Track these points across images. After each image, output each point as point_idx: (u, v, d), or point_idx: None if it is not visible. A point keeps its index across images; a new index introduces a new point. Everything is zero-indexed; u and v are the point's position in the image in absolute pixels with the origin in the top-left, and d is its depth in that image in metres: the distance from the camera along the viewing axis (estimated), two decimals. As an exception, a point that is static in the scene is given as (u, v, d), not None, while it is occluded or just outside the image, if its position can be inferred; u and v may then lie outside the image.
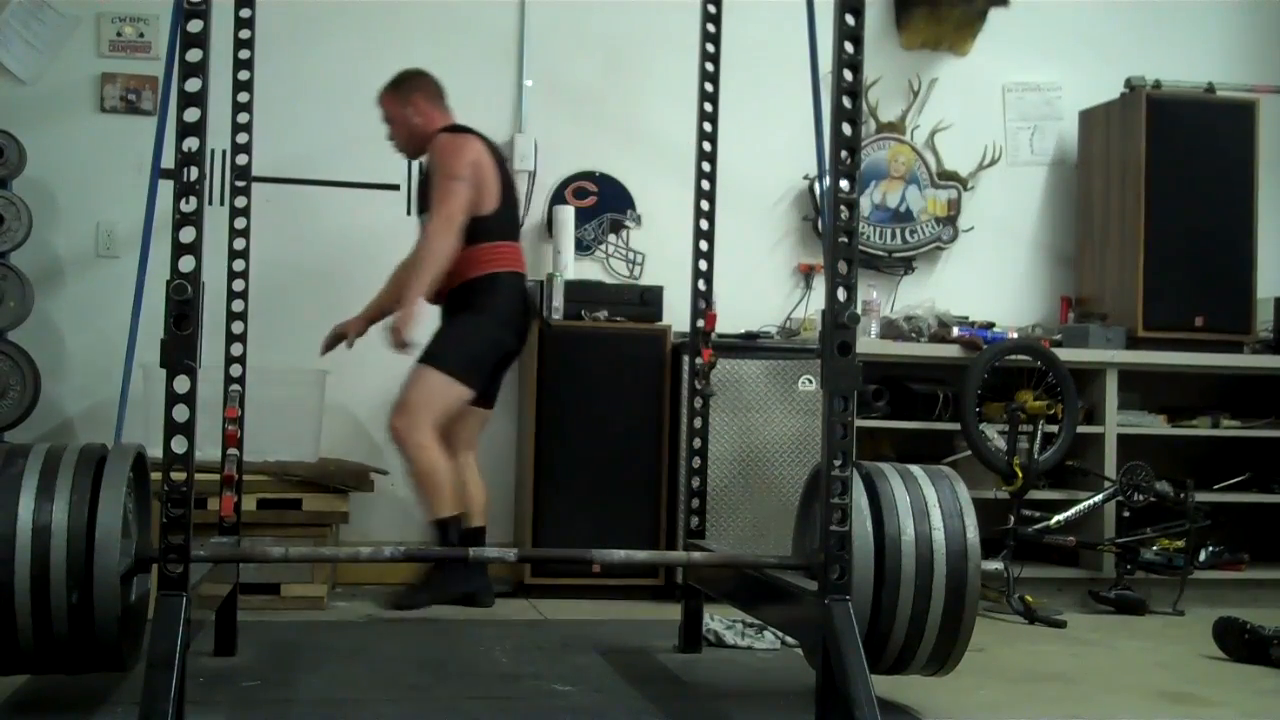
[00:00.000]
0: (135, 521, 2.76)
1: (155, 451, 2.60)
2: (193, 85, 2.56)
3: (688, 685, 3.35)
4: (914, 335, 5.11)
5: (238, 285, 3.61)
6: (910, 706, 3.04)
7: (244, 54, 3.65)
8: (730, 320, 4.66)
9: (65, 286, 4.89)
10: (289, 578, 4.18)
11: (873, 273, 5.38)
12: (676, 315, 4.52)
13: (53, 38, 4.89)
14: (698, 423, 3.81)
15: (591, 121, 5.24)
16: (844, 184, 2.71)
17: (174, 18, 2.65)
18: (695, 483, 3.78)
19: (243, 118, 3.66)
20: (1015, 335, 5.15)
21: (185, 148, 2.55)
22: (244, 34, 3.65)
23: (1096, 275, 5.46)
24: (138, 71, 4.91)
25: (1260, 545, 5.20)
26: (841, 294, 2.68)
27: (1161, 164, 5.21)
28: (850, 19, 2.69)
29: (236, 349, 3.58)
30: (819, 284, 5.23)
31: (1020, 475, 4.59)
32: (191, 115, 2.56)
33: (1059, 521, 4.75)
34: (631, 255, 5.28)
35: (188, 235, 2.53)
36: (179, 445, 2.52)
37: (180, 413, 2.52)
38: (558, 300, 4.75)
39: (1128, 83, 5.31)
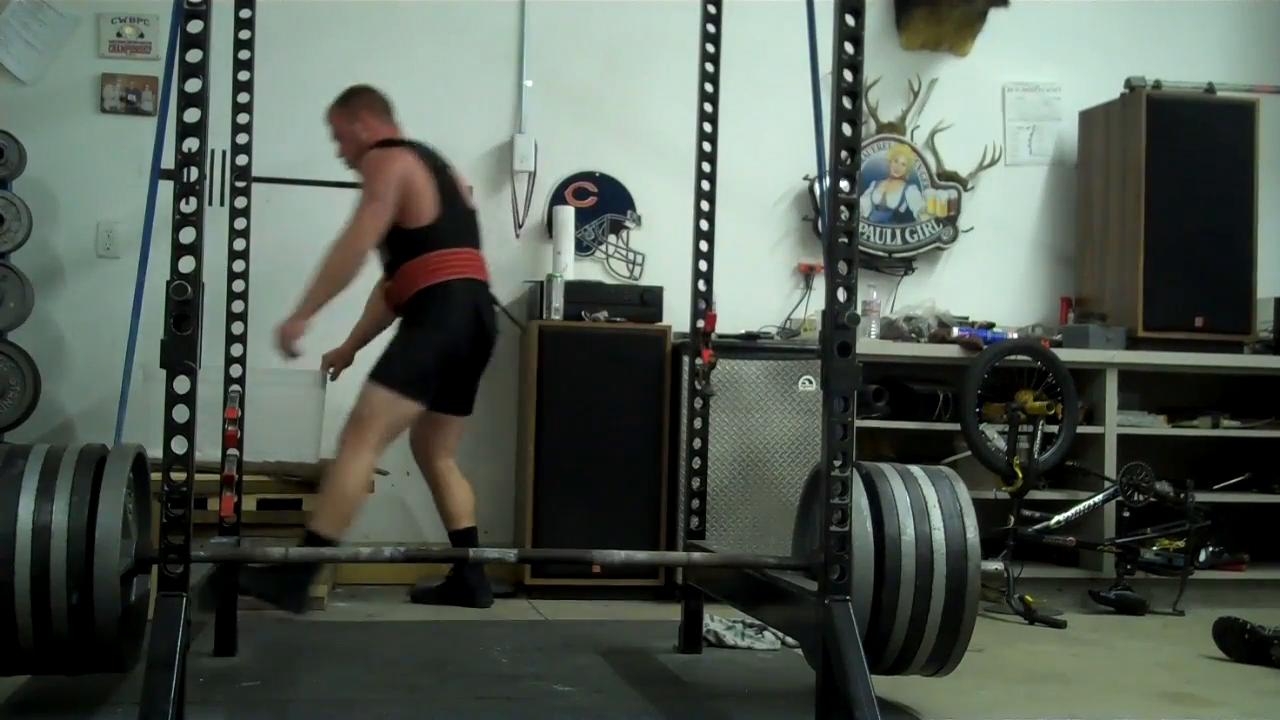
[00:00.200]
0: (135, 521, 2.77)
1: (155, 451, 2.60)
2: (193, 85, 2.56)
3: (688, 686, 3.35)
4: (914, 336, 5.11)
5: (238, 285, 3.61)
6: (910, 706, 3.05)
7: (244, 54, 3.65)
8: (730, 320, 4.66)
9: (65, 286, 4.89)
10: (288, 578, 4.18)
11: (873, 273, 5.38)
12: (676, 316, 4.52)
13: (53, 38, 4.89)
14: (698, 423, 3.81)
15: (591, 121, 5.24)
16: (844, 184, 2.71)
17: (174, 18, 2.65)
18: (695, 483, 3.78)
19: (243, 118, 3.66)
20: (1015, 335, 5.15)
21: (185, 148, 2.55)
22: (244, 34, 3.65)
23: (1096, 275, 5.46)
24: (138, 72, 4.92)
25: (1260, 545, 5.20)
26: (841, 294, 2.69)
27: (1161, 164, 5.21)
28: (850, 19, 2.69)
29: (236, 349, 3.58)
30: (819, 284, 5.22)
31: (1020, 475, 4.59)
32: (191, 115, 2.56)
33: (1059, 522, 4.74)
34: (631, 255, 5.28)
35: (188, 235, 2.54)
36: (179, 445, 2.53)
37: (180, 413, 2.52)
38: (558, 301, 4.75)
39: (1128, 83, 5.31)
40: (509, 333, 5.02)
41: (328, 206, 4.89)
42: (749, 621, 3.80)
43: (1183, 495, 4.83)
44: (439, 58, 5.12)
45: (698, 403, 3.81)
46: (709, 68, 3.76)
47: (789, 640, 3.63)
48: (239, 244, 3.64)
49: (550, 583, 4.61)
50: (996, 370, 4.80)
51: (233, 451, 3.51)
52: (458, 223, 4.21)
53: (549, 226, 5.16)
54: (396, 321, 4.25)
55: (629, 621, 4.20)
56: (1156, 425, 5.19)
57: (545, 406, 4.66)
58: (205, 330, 2.61)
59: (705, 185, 3.81)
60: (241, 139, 3.66)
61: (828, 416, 2.68)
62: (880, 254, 5.44)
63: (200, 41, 2.56)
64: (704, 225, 3.81)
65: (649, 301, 4.81)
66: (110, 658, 2.62)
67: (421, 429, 4.32)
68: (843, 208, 2.71)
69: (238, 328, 3.60)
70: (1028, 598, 4.49)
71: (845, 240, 2.71)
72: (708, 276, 3.81)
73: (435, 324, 4.10)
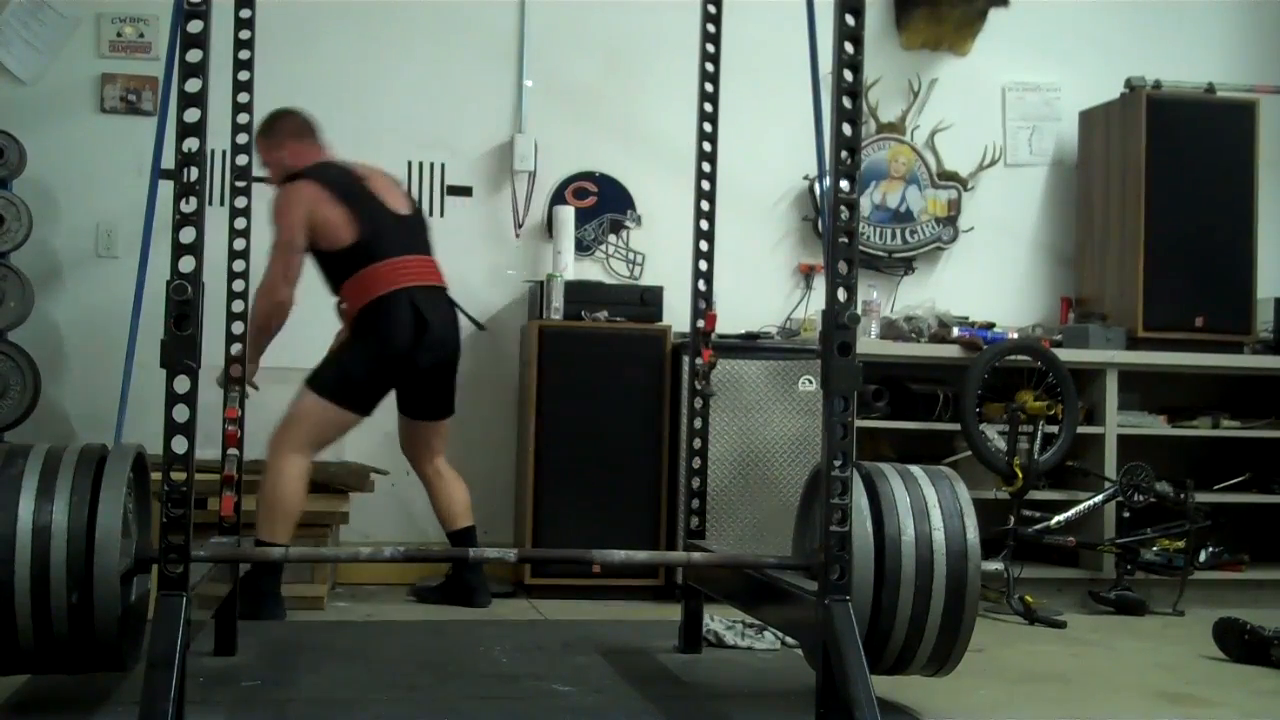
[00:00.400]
0: (135, 521, 2.77)
1: (155, 451, 2.60)
2: (193, 85, 2.56)
3: (688, 686, 3.35)
4: (914, 336, 5.11)
5: (238, 285, 3.61)
6: (910, 706, 3.05)
7: (244, 54, 3.65)
8: (730, 320, 4.66)
9: (65, 286, 4.89)
10: (289, 578, 4.17)
11: (873, 273, 5.38)
12: (676, 315, 4.52)
13: (53, 38, 4.89)
14: (698, 423, 3.81)
15: (591, 122, 5.24)
16: (844, 184, 2.71)
17: (174, 18, 2.65)
18: (695, 483, 3.78)
19: (243, 118, 3.66)
20: (1015, 335, 5.15)
21: (185, 148, 2.55)
22: (244, 34, 3.65)
23: (1096, 275, 5.46)
24: (138, 72, 4.92)
25: (1260, 545, 5.20)
26: (842, 294, 2.69)
27: (1161, 164, 5.21)
28: (850, 19, 2.69)
29: (236, 349, 3.58)
30: (819, 284, 5.23)
31: (1020, 476, 4.59)
32: (191, 115, 2.56)
33: (1059, 522, 4.74)
34: (631, 255, 5.28)
35: (188, 235, 2.54)
36: (179, 445, 2.53)
37: (180, 413, 2.52)
38: (558, 300, 4.75)
39: (1128, 83, 5.31)
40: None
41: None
42: (749, 621, 3.80)
43: (1183, 495, 4.83)
44: (439, 58, 5.12)
45: (698, 403, 3.81)
46: (709, 68, 3.76)
47: (789, 640, 3.63)
48: (239, 244, 3.64)
49: (550, 582, 4.61)
50: (996, 370, 4.80)
51: (233, 451, 3.51)
52: (384, 234, 4.16)
53: (549, 226, 5.16)
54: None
55: (629, 621, 4.20)
56: (1156, 425, 5.19)
57: (545, 406, 4.66)
58: (205, 330, 2.60)
59: (705, 185, 3.81)
60: (241, 139, 3.66)
61: (828, 416, 2.68)
62: (880, 254, 5.44)
63: (200, 41, 2.56)
64: (704, 225, 3.81)
65: (649, 301, 4.81)
66: (110, 657, 2.62)
67: (404, 435, 4.36)
68: (843, 208, 2.71)
69: (238, 327, 3.60)
70: (1028, 598, 4.49)
71: (845, 240, 2.71)
72: (708, 276, 3.81)
73: (369, 337, 4.12)
